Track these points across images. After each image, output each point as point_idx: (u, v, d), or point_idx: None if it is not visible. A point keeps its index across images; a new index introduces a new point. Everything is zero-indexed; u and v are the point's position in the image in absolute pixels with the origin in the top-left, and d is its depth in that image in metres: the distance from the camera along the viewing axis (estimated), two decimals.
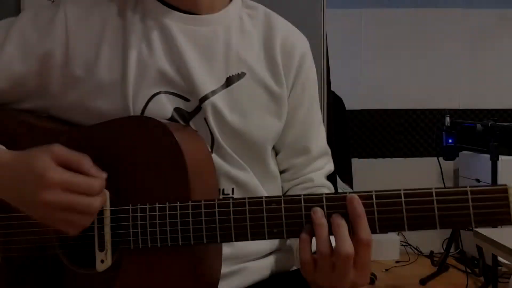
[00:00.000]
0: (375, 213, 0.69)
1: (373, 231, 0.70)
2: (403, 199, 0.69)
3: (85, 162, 0.74)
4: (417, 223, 0.68)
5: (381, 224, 0.69)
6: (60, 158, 0.73)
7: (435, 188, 0.68)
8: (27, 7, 1.72)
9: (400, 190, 0.69)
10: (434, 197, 0.68)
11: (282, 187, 0.99)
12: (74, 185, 0.72)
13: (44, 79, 0.87)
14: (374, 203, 0.70)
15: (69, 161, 0.74)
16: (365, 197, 0.70)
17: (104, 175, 0.75)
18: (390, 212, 0.69)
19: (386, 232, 0.70)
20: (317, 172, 0.99)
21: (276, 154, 0.99)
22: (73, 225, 0.74)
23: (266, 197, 0.73)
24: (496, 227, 2.96)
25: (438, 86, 3.89)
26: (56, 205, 0.72)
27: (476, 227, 0.70)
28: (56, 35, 0.87)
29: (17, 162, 0.76)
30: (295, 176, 0.98)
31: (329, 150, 1.03)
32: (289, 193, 0.97)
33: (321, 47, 1.80)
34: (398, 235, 3.67)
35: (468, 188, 0.67)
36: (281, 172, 0.99)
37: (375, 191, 0.70)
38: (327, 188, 0.99)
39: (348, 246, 0.69)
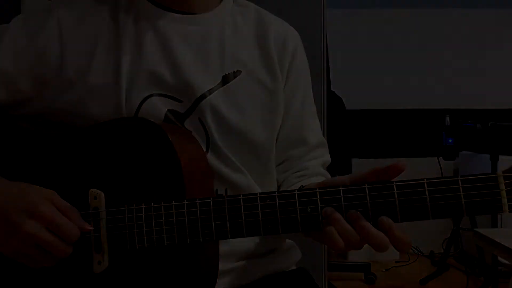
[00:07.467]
0: (368, 205, 0.70)
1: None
2: (395, 190, 0.69)
3: (74, 212, 0.77)
4: (409, 213, 0.69)
5: (374, 216, 0.70)
6: (52, 201, 0.76)
7: (427, 179, 0.68)
8: (27, 7, 1.72)
9: (392, 182, 0.70)
10: (426, 188, 0.68)
11: (277, 180, 0.98)
12: (58, 226, 0.75)
13: (38, 82, 0.88)
14: (367, 196, 0.70)
15: (59, 207, 0.76)
16: (359, 190, 0.70)
17: (90, 227, 0.77)
18: (383, 204, 0.69)
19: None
20: (312, 161, 0.98)
21: None
22: (37, 263, 0.77)
23: (260, 193, 0.74)
24: (496, 225, 2.94)
25: (438, 86, 3.89)
26: (34, 240, 0.74)
27: (468, 215, 0.70)
28: (49, 39, 0.87)
29: (11, 187, 0.78)
30: (291, 167, 0.98)
31: (325, 142, 1.03)
32: (284, 183, 0.97)
33: (321, 47, 1.80)
34: None
35: (459, 178, 0.68)
36: (277, 165, 0.98)
37: (367, 184, 0.70)
38: (323, 177, 0.97)
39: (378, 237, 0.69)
